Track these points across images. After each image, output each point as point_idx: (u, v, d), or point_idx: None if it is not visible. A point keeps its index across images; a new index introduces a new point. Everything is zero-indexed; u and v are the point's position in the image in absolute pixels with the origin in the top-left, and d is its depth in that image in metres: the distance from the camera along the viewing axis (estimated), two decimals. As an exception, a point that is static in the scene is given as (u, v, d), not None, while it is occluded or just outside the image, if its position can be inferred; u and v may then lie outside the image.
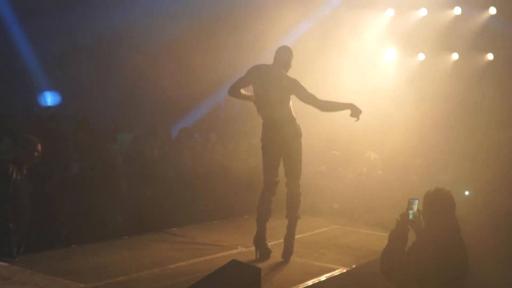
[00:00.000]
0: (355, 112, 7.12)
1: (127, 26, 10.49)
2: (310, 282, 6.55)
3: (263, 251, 7.41)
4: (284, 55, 7.40)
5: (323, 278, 6.75)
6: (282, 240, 7.50)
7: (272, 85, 7.20)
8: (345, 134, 11.28)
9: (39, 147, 7.37)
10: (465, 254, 4.79)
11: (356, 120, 7.12)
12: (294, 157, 7.33)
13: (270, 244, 7.68)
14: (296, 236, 7.57)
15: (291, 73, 7.37)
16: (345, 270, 7.10)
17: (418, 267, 4.60)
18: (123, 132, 10.82)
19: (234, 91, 7.36)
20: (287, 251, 7.37)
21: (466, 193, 9.98)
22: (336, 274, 6.96)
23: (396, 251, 4.80)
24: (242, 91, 7.39)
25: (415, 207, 4.89)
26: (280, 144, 7.28)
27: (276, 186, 7.45)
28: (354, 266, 7.25)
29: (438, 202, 4.79)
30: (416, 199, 4.92)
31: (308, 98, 7.14)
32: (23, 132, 9.45)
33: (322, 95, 7.15)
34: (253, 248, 7.50)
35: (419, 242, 4.81)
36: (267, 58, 7.58)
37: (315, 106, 7.18)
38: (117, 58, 10.72)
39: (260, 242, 7.43)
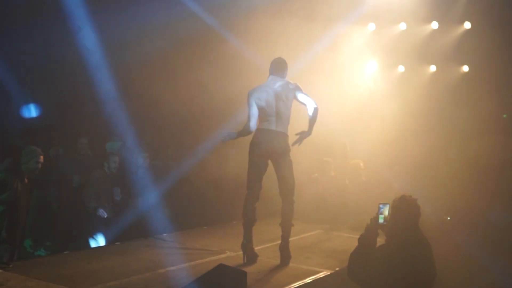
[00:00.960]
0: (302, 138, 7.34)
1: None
2: (296, 285, 6.52)
3: (250, 255, 7.36)
4: (281, 66, 7.47)
5: (308, 280, 6.72)
6: (270, 244, 7.63)
7: (280, 97, 7.26)
8: (332, 142, 11.27)
9: (42, 158, 7.38)
10: (432, 260, 4.75)
11: (298, 144, 7.35)
12: (287, 169, 7.35)
13: (258, 248, 7.68)
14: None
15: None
16: (329, 273, 7.07)
17: (385, 270, 4.54)
18: (112, 140, 10.68)
19: (249, 129, 7.39)
20: (286, 258, 7.34)
21: (448, 218, 9.98)
22: (321, 276, 6.94)
23: (365, 254, 4.76)
24: None
25: (386, 212, 4.83)
26: (273, 156, 7.31)
27: (260, 191, 7.45)
28: (337, 268, 7.22)
29: (404, 209, 4.75)
30: (387, 204, 4.87)
31: (308, 99, 7.28)
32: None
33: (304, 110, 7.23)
34: (240, 252, 7.47)
35: (387, 245, 4.76)
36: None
37: (310, 108, 7.27)
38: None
39: (247, 246, 7.37)
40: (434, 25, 12.69)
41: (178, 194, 9.96)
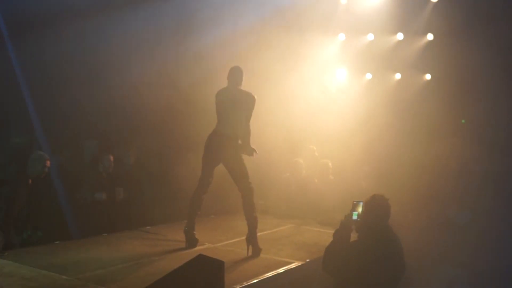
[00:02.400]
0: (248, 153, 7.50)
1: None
2: (269, 274, 6.62)
3: (190, 240, 7.58)
4: (237, 74, 7.59)
5: (280, 270, 6.83)
6: (244, 237, 7.57)
7: (235, 104, 7.39)
8: (302, 143, 11.42)
9: (48, 162, 7.68)
10: (402, 254, 4.82)
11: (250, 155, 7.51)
12: (236, 165, 7.45)
13: (233, 240, 7.95)
14: (258, 234, 7.62)
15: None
16: (300, 264, 7.17)
17: (357, 264, 4.60)
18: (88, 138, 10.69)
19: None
20: (255, 251, 7.43)
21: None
22: (292, 267, 7.04)
23: (339, 248, 4.79)
24: None
25: (360, 209, 4.89)
26: (222, 154, 7.45)
27: (209, 185, 7.61)
28: (308, 260, 7.32)
29: (375, 207, 4.81)
30: (361, 201, 4.91)
31: (247, 120, 7.44)
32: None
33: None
34: (218, 244, 7.59)
35: (359, 240, 4.82)
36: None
37: (242, 128, 7.44)
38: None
39: (189, 232, 7.59)
40: (400, 36, 12.86)
41: (162, 191, 9.98)
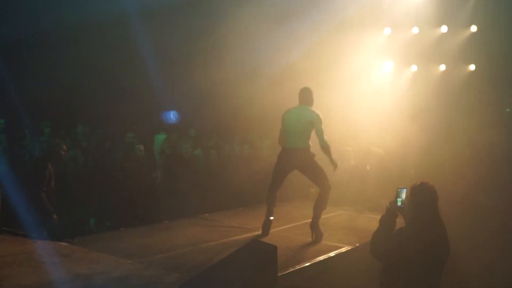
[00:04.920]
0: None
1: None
2: (320, 258, 6.58)
3: (266, 229, 7.58)
4: (307, 95, 7.51)
5: (332, 254, 6.78)
6: (297, 223, 7.77)
7: (299, 120, 7.34)
8: (352, 134, 11.29)
9: (65, 147, 7.66)
10: (447, 239, 4.70)
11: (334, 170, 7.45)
12: (310, 169, 7.44)
13: (286, 226, 7.93)
14: (307, 220, 7.57)
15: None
16: (350, 248, 7.10)
17: (404, 248, 4.51)
18: (159, 133, 10.78)
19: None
20: (318, 235, 7.39)
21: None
22: (343, 251, 6.98)
23: (385, 234, 4.69)
24: None
25: (403, 195, 4.79)
26: (294, 166, 7.46)
27: (279, 187, 7.63)
28: (357, 244, 7.24)
29: (422, 194, 4.69)
30: (404, 188, 4.81)
31: (319, 133, 7.31)
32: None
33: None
34: (272, 230, 7.59)
35: (406, 226, 4.71)
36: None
37: (319, 139, 7.33)
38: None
39: (268, 222, 7.62)
40: (444, 28, 12.57)
41: (218, 180, 10.04)
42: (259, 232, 7.62)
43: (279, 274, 5.53)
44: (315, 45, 10.97)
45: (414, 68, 13.18)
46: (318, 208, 7.48)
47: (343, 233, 7.97)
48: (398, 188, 4.82)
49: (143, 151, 9.46)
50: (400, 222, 4.81)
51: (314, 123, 7.29)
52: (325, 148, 7.31)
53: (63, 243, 6.69)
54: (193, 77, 10.79)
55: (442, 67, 12.92)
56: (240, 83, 10.52)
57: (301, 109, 7.46)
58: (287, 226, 8.14)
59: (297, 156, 7.39)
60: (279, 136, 7.62)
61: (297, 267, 6.16)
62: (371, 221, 8.42)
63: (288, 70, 10.19)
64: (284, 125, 7.50)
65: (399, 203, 4.73)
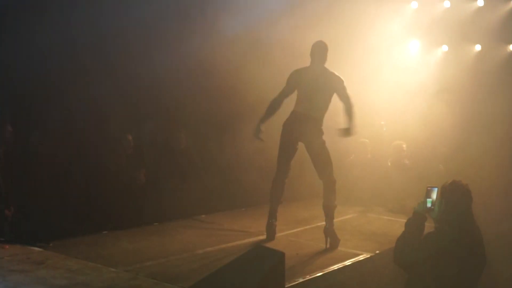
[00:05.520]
0: (346, 134, 7.48)
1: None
2: (335, 267, 6.54)
3: (270, 231, 7.55)
4: (322, 50, 7.48)
5: (347, 263, 6.73)
6: (308, 226, 7.87)
7: (319, 85, 7.32)
8: (372, 124, 11.23)
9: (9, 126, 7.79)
10: (483, 246, 4.66)
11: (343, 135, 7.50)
12: (319, 151, 7.36)
13: (296, 230, 8.00)
14: (320, 223, 7.53)
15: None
16: (369, 256, 7.06)
17: (434, 257, 4.45)
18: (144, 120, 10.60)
19: (276, 104, 7.55)
20: (334, 241, 7.34)
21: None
22: (360, 259, 6.93)
23: (412, 239, 4.63)
24: None
25: (434, 196, 4.72)
26: (303, 139, 7.40)
27: (288, 172, 7.57)
28: (378, 251, 7.20)
29: (455, 195, 4.64)
30: (435, 187, 4.74)
31: (345, 99, 7.39)
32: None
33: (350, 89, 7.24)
34: (278, 234, 7.56)
35: (436, 231, 4.65)
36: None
37: (345, 106, 7.41)
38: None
39: (272, 224, 7.58)
40: (480, 2, 12.44)
41: (218, 177, 9.99)
42: (265, 236, 7.59)
43: (287, 286, 5.50)
44: (326, 18, 10.84)
45: (444, 48, 13.07)
46: (329, 208, 7.43)
47: (361, 238, 7.96)
48: (428, 187, 4.79)
49: (131, 142, 9.31)
50: (428, 226, 4.77)
51: (338, 90, 7.38)
52: (349, 110, 7.40)
53: (36, 248, 6.64)
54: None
55: (478, 47, 12.81)
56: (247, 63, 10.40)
57: (321, 70, 7.43)
58: (296, 230, 8.14)
59: (308, 126, 7.33)
60: (276, 98, 7.55)
61: (308, 277, 6.11)
62: (394, 225, 8.49)
63: (293, 46, 10.06)
64: (300, 86, 7.44)
65: (428, 205, 4.69)
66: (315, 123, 7.35)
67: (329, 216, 7.40)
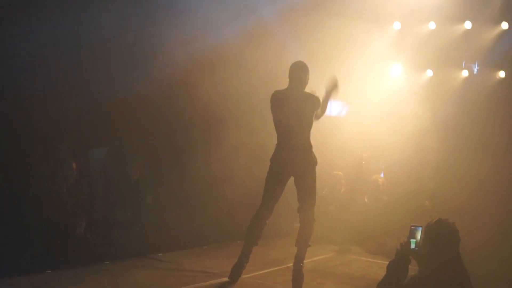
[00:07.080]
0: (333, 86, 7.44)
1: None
2: (305, 315, 6.40)
3: (235, 273, 7.41)
4: (302, 72, 7.41)
5: (322, 310, 6.61)
6: (277, 267, 7.83)
7: (298, 109, 7.24)
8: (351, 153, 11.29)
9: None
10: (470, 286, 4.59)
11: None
12: (310, 185, 7.32)
13: (264, 271, 7.95)
14: (290, 264, 7.41)
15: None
16: (345, 302, 6.94)
17: None
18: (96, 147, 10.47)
19: None
20: (299, 281, 7.20)
21: None
22: (336, 306, 6.82)
23: (395, 283, 4.61)
24: None
25: (418, 236, 4.67)
26: (295, 171, 7.30)
27: (272, 212, 7.43)
28: (355, 298, 7.09)
29: (440, 235, 4.57)
30: (420, 226, 4.72)
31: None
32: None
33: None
34: (245, 276, 7.47)
35: (421, 275, 4.58)
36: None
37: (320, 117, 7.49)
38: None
39: (241, 267, 7.45)
40: (467, 24, 12.55)
41: (177, 209, 9.85)
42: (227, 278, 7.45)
43: None
44: (304, 37, 10.87)
45: (429, 73, 13.15)
46: (302, 244, 7.32)
47: (336, 281, 7.86)
48: (412, 226, 4.76)
49: (74, 170, 9.11)
50: (412, 269, 4.68)
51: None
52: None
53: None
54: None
55: (465, 73, 12.92)
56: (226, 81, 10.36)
57: (301, 93, 7.34)
58: (264, 271, 8.06)
59: (300, 156, 7.24)
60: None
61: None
62: (372, 267, 8.49)
63: (275, 69, 10.07)
64: (282, 114, 7.29)
65: (412, 245, 4.64)
66: (303, 153, 7.27)
67: (300, 254, 7.30)
